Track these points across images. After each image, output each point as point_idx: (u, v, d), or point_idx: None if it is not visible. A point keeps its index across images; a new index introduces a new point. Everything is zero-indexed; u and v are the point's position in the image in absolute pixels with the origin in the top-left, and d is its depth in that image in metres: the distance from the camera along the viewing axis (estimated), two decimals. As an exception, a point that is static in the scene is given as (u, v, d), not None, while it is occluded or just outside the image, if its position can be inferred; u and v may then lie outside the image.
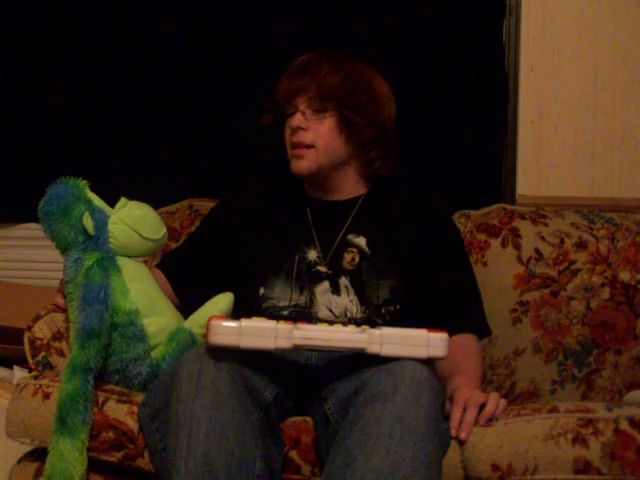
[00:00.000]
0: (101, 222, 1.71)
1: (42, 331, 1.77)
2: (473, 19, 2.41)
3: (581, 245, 2.11)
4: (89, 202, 1.72)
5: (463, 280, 1.88)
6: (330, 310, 1.78)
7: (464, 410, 1.53)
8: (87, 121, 2.57)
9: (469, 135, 2.42)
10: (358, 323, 1.71)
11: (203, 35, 2.51)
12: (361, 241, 1.84)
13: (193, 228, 2.14)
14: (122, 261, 1.72)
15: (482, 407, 1.54)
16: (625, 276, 2.08)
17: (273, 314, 1.76)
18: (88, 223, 1.69)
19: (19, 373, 2.23)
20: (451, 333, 1.55)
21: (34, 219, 1.75)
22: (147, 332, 1.68)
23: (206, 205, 2.21)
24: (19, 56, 2.59)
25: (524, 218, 2.16)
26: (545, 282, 2.09)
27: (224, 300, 1.73)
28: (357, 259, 1.82)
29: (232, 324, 1.46)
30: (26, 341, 1.78)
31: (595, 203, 2.33)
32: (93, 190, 1.75)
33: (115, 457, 1.59)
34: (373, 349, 1.49)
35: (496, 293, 2.07)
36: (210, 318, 1.47)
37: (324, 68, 1.82)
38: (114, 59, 2.55)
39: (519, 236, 2.12)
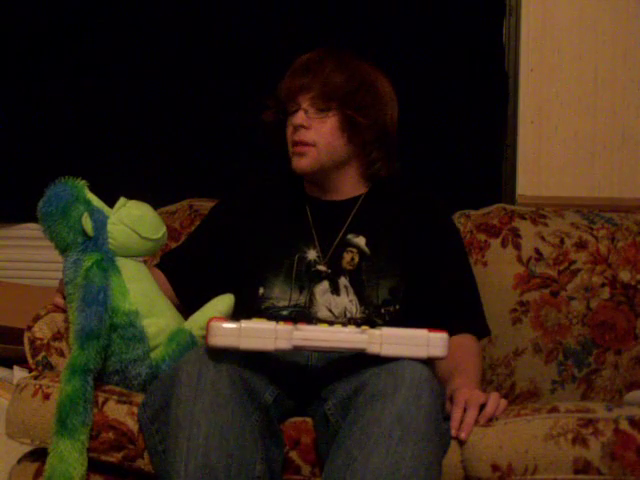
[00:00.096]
0: (100, 223, 1.71)
1: (42, 331, 1.77)
2: (473, 19, 2.41)
3: (581, 245, 2.11)
4: (88, 202, 1.72)
5: (462, 280, 1.88)
6: (330, 310, 1.78)
7: (464, 410, 1.54)
8: (87, 121, 2.57)
9: (469, 135, 2.42)
10: (358, 323, 1.71)
11: (203, 35, 2.51)
12: (361, 241, 1.84)
13: (193, 228, 2.13)
14: (121, 262, 1.72)
15: (482, 407, 1.54)
16: (625, 276, 2.08)
17: (273, 314, 1.76)
18: (87, 224, 1.69)
19: (19, 373, 2.23)
20: (450, 333, 1.55)
21: (34, 219, 1.75)
22: (147, 333, 1.68)
23: (206, 205, 2.21)
24: (19, 56, 2.59)
25: (524, 218, 2.16)
26: (545, 282, 2.09)
27: (224, 301, 1.72)
28: (356, 259, 1.82)
29: (232, 325, 1.46)
30: (26, 341, 1.78)
31: (595, 203, 2.33)
32: (92, 190, 1.74)
33: (115, 458, 1.59)
34: (373, 349, 1.49)
35: (496, 293, 2.07)
36: (210, 319, 1.47)
37: (328, 67, 1.82)
38: (114, 59, 2.54)
39: (519, 236, 2.12)
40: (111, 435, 1.59)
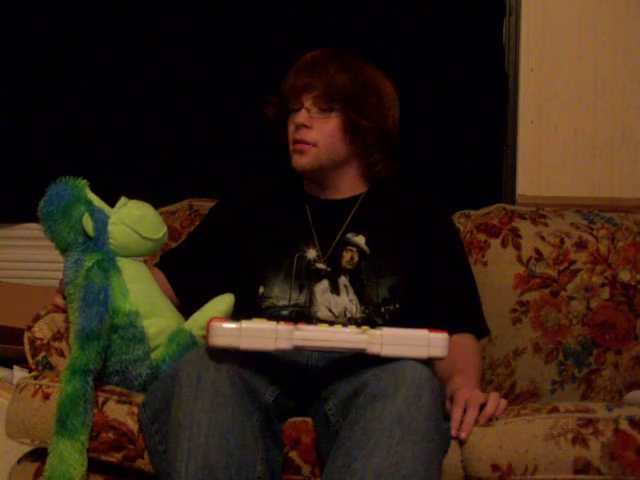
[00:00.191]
0: (101, 223, 1.71)
1: (42, 331, 1.77)
2: (473, 19, 2.41)
3: (581, 245, 2.11)
4: (89, 202, 1.72)
5: (462, 280, 1.88)
6: (330, 310, 1.78)
7: (464, 410, 1.54)
8: (87, 121, 2.56)
9: (469, 135, 2.42)
10: (358, 323, 1.71)
11: (203, 35, 2.51)
12: (360, 240, 1.84)
13: (193, 228, 2.13)
14: (122, 262, 1.72)
15: (482, 407, 1.54)
16: (625, 276, 2.08)
17: (273, 314, 1.76)
18: (88, 224, 1.69)
19: (19, 373, 2.23)
20: (450, 333, 1.55)
21: (34, 219, 1.75)
22: (147, 334, 1.68)
23: (206, 205, 2.21)
24: (19, 56, 2.59)
25: (524, 218, 2.16)
26: (545, 282, 2.09)
27: (224, 301, 1.72)
28: (356, 258, 1.82)
29: (232, 325, 1.46)
30: (26, 341, 1.78)
31: (595, 203, 2.33)
32: (93, 190, 1.74)
33: (115, 458, 1.60)
34: (373, 349, 1.49)
35: (496, 293, 2.07)
36: (210, 319, 1.47)
37: (333, 67, 1.81)
38: (114, 59, 2.54)
39: (519, 236, 2.12)
40: (111, 435, 1.60)
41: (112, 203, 1.76)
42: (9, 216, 2.67)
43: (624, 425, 1.47)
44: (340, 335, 1.51)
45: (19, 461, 1.70)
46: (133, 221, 1.73)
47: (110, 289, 1.65)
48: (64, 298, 1.75)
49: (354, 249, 1.83)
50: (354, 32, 2.43)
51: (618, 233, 2.12)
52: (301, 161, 1.83)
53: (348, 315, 1.77)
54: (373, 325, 1.58)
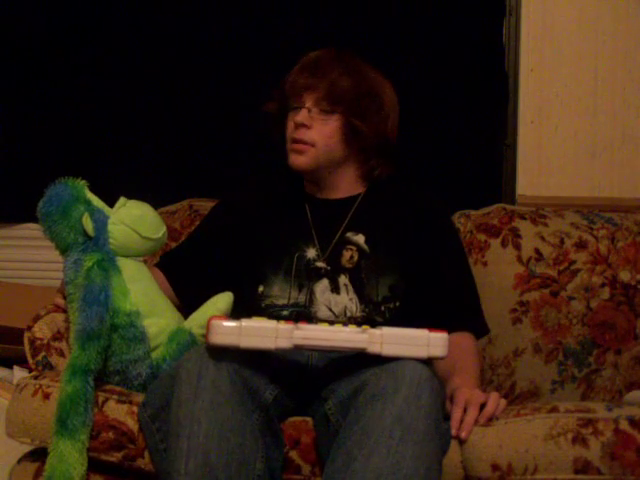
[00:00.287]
0: (101, 223, 1.71)
1: (42, 331, 1.77)
2: (473, 19, 2.41)
3: (581, 245, 2.11)
4: (88, 203, 1.72)
5: (461, 279, 1.88)
6: (330, 309, 1.78)
7: (464, 410, 1.54)
8: (87, 121, 2.56)
9: (469, 135, 2.42)
10: (359, 323, 1.71)
11: (203, 35, 2.51)
12: (360, 239, 1.84)
13: (193, 228, 2.14)
14: (122, 262, 1.72)
15: (482, 407, 1.54)
16: (625, 276, 2.08)
17: (273, 314, 1.76)
18: (87, 224, 1.69)
19: (19, 373, 2.23)
20: (449, 331, 1.55)
21: (34, 219, 1.75)
22: (148, 333, 1.68)
23: (206, 205, 2.21)
24: (19, 56, 2.58)
25: (524, 218, 2.16)
26: (545, 282, 2.09)
27: (224, 300, 1.73)
28: (356, 257, 1.82)
29: (232, 324, 1.46)
30: (26, 341, 1.77)
31: (595, 203, 2.33)
32: (93, 190, 1.74)
33: (115, 457, 1.59)
34: (374, 349, 1.49)
35: (496, 293, 2.07)
36: (210, 318, 1.47)
37: (337, 69, 1.81)
38: (114, 59, 2.54)
39: (519, 236, 2.12)
40: (111, 435, 1.59)
41: (112, 203, 1.76)
42: (9, 216, 2.66)
43: (624, 425, 1.47)
44: (340, 334, 1.51)
45: (19, 461, 1.70)
46: (133, 221, 1.73)
47: (110, 289, 1.65)
48: (64, 298, 1.75)
49: (354, 248, 1.83)
50: (354, 32, 2.44)
51: (618, 233, 2.12)
52: (298, 160, 1.83)
53: (348, 314, 1.77)
54: (373, 324, 1.58)
